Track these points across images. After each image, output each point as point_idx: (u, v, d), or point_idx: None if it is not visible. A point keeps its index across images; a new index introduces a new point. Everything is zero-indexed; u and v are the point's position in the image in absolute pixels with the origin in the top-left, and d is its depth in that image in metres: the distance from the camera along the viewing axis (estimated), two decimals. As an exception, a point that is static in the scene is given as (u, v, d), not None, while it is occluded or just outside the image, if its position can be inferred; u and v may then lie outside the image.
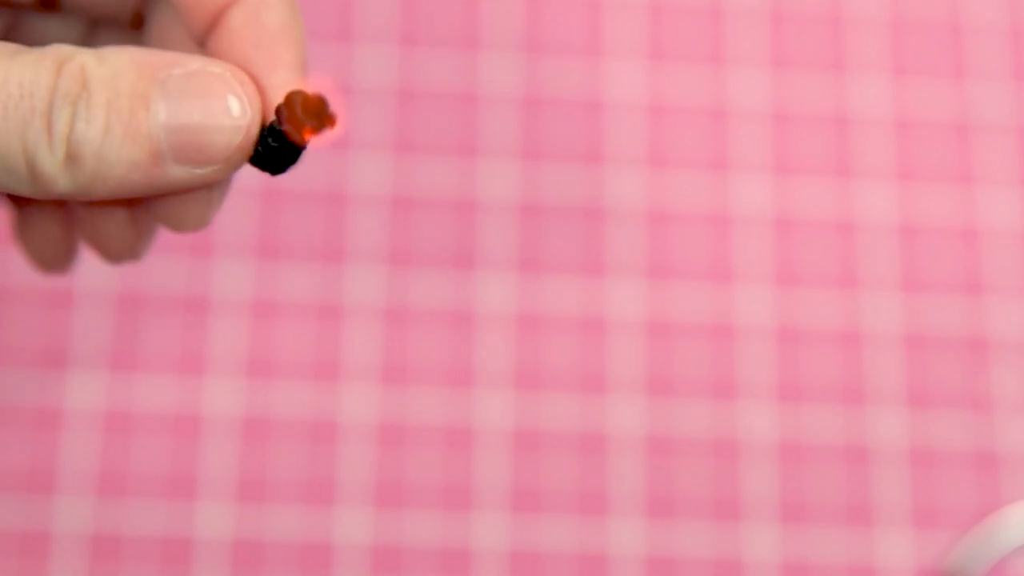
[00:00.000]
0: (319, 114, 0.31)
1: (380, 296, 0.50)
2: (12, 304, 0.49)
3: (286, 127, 0.31)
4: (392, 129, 0.52)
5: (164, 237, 0.50)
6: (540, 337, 0.50)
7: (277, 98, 0.32)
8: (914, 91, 0.53)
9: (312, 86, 0.32)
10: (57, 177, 0.30)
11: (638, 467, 0.49)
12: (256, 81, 0.32)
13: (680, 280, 0.51)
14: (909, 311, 0.51)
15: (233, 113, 0.30)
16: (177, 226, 0.35)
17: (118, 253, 0.36)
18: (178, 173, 0.31)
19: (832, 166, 0.52)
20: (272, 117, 0.31)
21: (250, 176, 0.51)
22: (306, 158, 0.51)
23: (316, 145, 0.31)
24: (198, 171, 0.31)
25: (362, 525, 0.48)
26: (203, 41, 0.33)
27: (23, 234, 0.37)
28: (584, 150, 0.52)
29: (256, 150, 0.31)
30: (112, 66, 0.30)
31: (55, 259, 0.37)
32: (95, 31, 0.37)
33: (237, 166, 0.31)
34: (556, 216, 0.51)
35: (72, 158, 0.30)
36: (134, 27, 0.36)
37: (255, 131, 0.31)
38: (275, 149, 0.31)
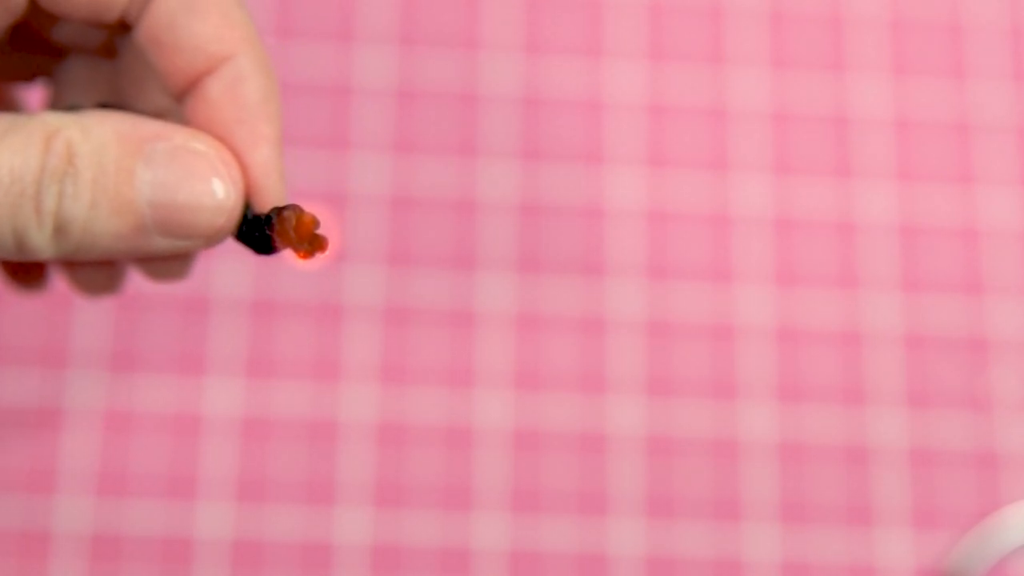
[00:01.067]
0: (311, 239, 0.32)
1: (380, 296, 0.50)
2: (12, 304, 0.49)
3: (277, 242, 0.31)
4: (392, 129, 0.52)
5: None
6: (540, 337, 0.50)
7: (260, 176, 0.32)
8: (914, 91, 0.53)
9: (306, 208, 0.32)
10: (44, 248, 0.30)
11: (638, 467, 0.49)
12: (239, 158, 0.32)
13: (680, 280, 0.51)
14: (909, 311, 0.51)
15: (217, 195, 0.31)
16: (156, 279, 0.35)
17: (95, 292, 0.37)
18: (162, 244, 0.31)
19: (832, 166, 0.52)
20: (254, 197, 0.32)
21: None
22: (296, 159, 0.51)
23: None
24: (181, 243, 0.31)
25: (362, 525, 0.48)
26: (180, 100, 0.34)
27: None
28: (584, 150, 0.52)
29: (241, 228, 0.32)
30: (97, 140, 0.31)
31: (31, 284, 0.38)
32: (66, 61, 0.37)
33: (220, 240, 0.32)
34: (556, 216, 0.51)
35: (59, 231, 0.30)
36: (107, 56, 0.36)
37: (238, 212, 0.31)
38: (259, 238, 0.32)
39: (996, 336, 0.51)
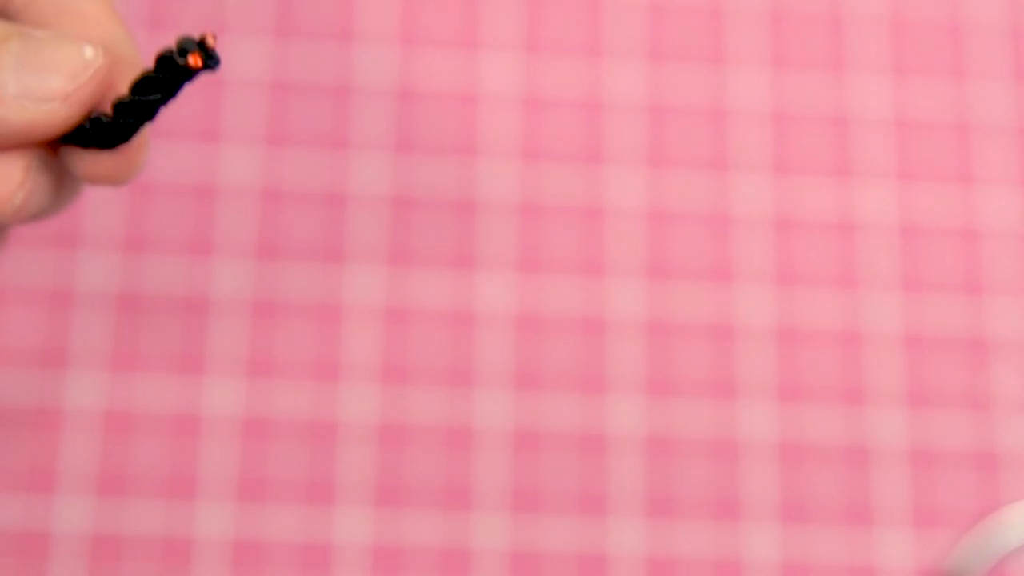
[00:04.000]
0: (207, 48, 0.31)
1: (380, 296, 0.50)
2: (12, 304, 0.49)
3: (171, 54, 0.31)
4: (392, 129, 0.52)
5: (163, 236, 0.50)
6: (540, 337, 0.50)
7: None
8: (914, 91, 0.53)
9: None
10: None
11: (638, 467, 0.49)
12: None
13: (680, 280, 0.51)
14: (909, 311, 0.51)
15: (86, 52, 0.31)
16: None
17: None
18: (15, 108, 0.30)
19: (832, 166, 0.52)
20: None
21: (250, 177, 0.51)
22: (294, 158, 0.51)
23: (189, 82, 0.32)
24: (36, 107, 0.30)
25: (362, 525, 0.48)
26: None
27: None
28: (583, 150, 0.52)
29: (98, 120, 0.31)
30: None
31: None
32: None
33: (74, 108, 0.31)
34: (556, 216, 0.51)
35: None
36: None
37: (102, 75, 0.31)
38: (125, 107, 0.31)
39: (996, 336, 0.51)
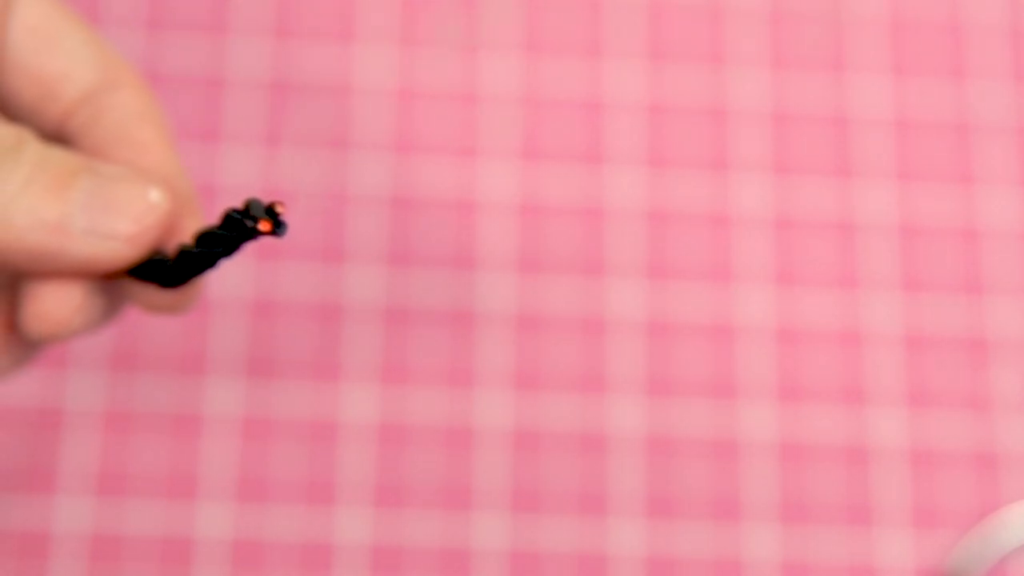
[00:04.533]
0: (273, 214, 0.32)
1: (380, 296, 0.50)
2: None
3: (239, 217, 0.31)
4: (392, 129, 0.52)
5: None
6: (540, 337, 0.50)
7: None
8: (914, 91, 0.53)
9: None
10: None
11: (638, 467, 0.49)
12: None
13: (680, 280, 0.51)
14: (909, 311, 0.51)
15: (151, 196, 0.32)
16: (35, 324, 0.33)
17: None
18: (80, 243, 0.31)
19: (832, 166, 0.52)
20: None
21: (249, 176, 0.51)
22: (294, 158, 0.51)
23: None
24: (100, 244, 0.31)
25: (362, 525, 0.48)
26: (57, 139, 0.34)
27: None
28: (584, 150, 0.52)
29: (161, 261, 0.32)
30: (51, 147, 0.32)
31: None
32: None
33: (138, 249, 0.32)
34: (556, 216, 0.51)
35: None
36: None
37: (165, 219, 0.32)
38: (188, 256, 0.32)
39: (996, 336, 0.51)
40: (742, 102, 0.53)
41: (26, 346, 0.35)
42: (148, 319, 0.49)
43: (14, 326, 0.35)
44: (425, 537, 0.48)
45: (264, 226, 0.31)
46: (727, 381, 0.50)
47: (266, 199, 0.32)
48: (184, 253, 0.32)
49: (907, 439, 0.50)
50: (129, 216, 0.31)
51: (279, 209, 0.31)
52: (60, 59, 0.34)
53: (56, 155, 0.32)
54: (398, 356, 0.49)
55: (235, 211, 0.31)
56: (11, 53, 0.34)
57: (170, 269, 0.33)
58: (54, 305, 0.33)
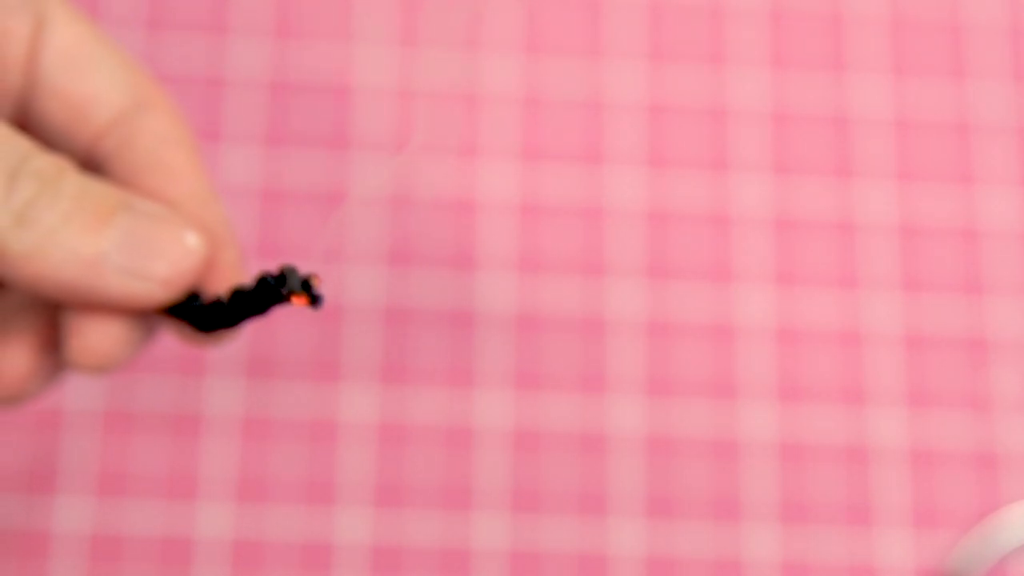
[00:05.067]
0: (309, 288, 0.32)
1: (380, 296, 0.50)
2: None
3: (285, 300, 0.32)
4: (392, 129, 0.52)
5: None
6: (540, 337, 0.50)
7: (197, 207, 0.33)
8: (914, 91, 0.53)
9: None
10: (2, 228, 0.30)
11: (638, 467, 0.49)
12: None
13: (680, 280, 0.51)
14: (909, 311, 0.51)
15: (189, 240, 0.32)
16: (80, 358, 0.34)
17: (14, 390, 0.35)
18: (115, 281, 0.31)
19: (832, 166, 0.52)
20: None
21: (249, 176, 0.51)
22: (294, 158, 0.51)
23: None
24: (134, 284, 0.31)
25: (362, 525, 0.48)
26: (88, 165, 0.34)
27: None
28: (584, 150, 0.52)
29: (197, 304, 0.32)
30: (90, 179, 0.32)
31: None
32: None
33: (173, 292, 0.32)
34: (556, 216, 0.51)
35: (21, 222, 0.30)
36: None
37: (201, 264, 0.32)
38: (221, 308, 0.32)
39: (996, 336, 0.51)
40: (742, 102, 0.53)
41: (58, 368, 0.35)
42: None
43: (48, 348, 0.35)
44: (425, 537, 0.48)
45: (299, 300, 0.31)
46: (727, 381, 0.50)
47: (302, 267, 0.32)
48: (217, 305, 0.33)
49: (907, 439, 0.50)
50: (165, 259, 0.32)
51: (315, 282, 0.31)
52: (92, 82, 0.34)
53: (96, 189, 0.32)
54: (398, 356, 0.49)
55: (269, 277, 0.31)
56: (43, 75, 0.34)
57: (203, 314, 0.33)
58: (98, 340, 0.33)
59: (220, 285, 0.34)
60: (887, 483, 0.49)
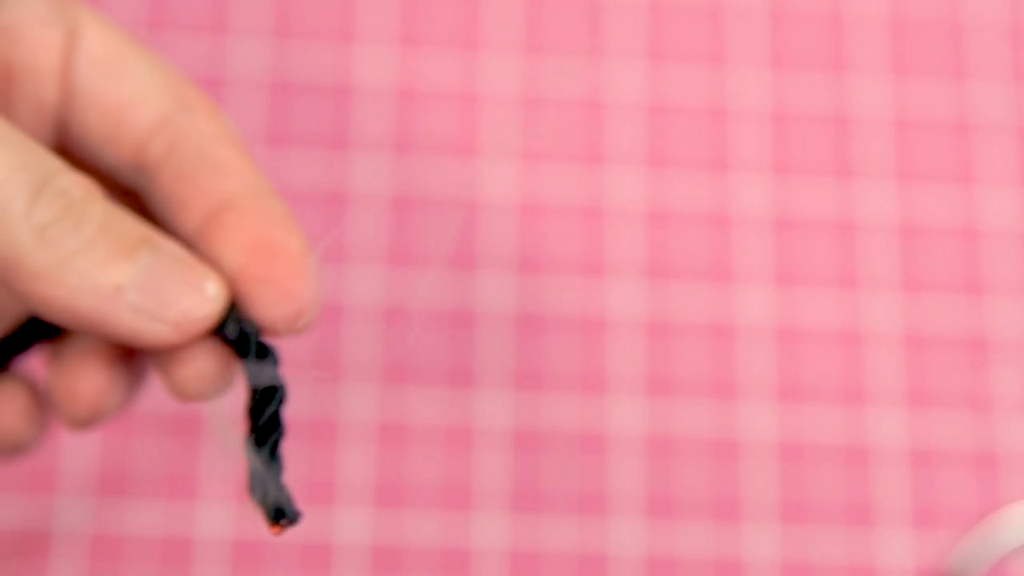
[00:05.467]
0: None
1: (380, 296, 0.50)
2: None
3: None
4: (392, 129, 0.52)
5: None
6: (540, 337, 0.50)
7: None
8: (914, 91, 0.53)
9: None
10: (23, 240, 0.30)
11: (638, 467, 0.49)
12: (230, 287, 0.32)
13: (680, 280, 0.51)
14: (909, 311, 0.51)
15: (208, 288, 0.31)
16: (69, 408, 0.33)
17: (91, 409, 0.34)
18: (126, 317, 0.30)
19: (832, 166, 0.52)
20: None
21: (250, 176, 0.50)
22: (294, 158, 0.51)
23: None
24: (146, 324, 0.31)
25: (362, 525, 0.48)
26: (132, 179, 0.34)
27: None
28: (584, 150, 0.52)
29: (227, 328, 0.32)
30: (117, 209, 0.31)
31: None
32: None
33: (184, 338, 0.31)
34: (556, 216, 0.51)
35: (42, 241, 0.30)
36: None
37: (214, 318, 0.32)
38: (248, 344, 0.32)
39: (996, 336, 0.51)
40: (742, 102, 0.53)
41: (135, 383, 0.35)
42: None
43: (122, 364, 0.34)
44: (425, 537, 0.48)
45: (274, 531, 0.31)
46: (727, 381, 0.50)
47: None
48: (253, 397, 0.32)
49: (907, 439, 0.50)
50: (181, 305, 0.31)
51: (284, 519, 0.31)
52: (129, 87, 0.33)
53: (121, 221, 0.31)
54: (398, 356, 0.49)
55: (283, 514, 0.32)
56: (80, 85, 0.33)
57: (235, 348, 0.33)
58: (194, 370, 0.32)
59: (287, 274, 0.32)
60: (887, 483, 0.49)
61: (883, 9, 0.54)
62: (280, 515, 0.31)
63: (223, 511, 0.48)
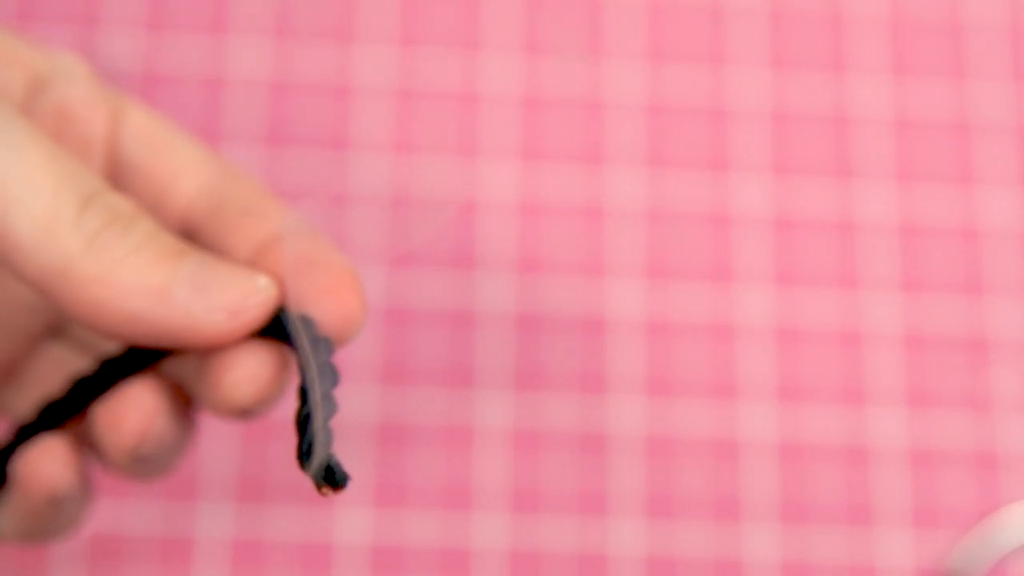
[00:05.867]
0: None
1: (380, 296, 0.50)
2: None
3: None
4: (392, 129, 0.52)
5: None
6: (540, 337, 0.50)
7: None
8: (914, 91, 0.53)
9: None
10: (72, 245, 0.30)
11: (638, 467, 0.49)
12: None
13: (680, 280, 0.51)
14: (909, 311, 0.51)
15: (259, 280, 0.32)
16: (112, 437, 0.33)
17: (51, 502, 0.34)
18: (179, 312, 0.31)
19: (832, 166, 0.52)
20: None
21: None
22: (294, 158, 0.51)
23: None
24: (202, 316, 0.31)
25: (362, 525, 0.48)
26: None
27: None
28: (584, 150, 0.52)
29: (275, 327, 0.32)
30: (163, 229, 0.32)
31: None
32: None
33: (238, 328, 0.31)
34: (556, 216, 0.51)
35: (93, 247, 0.30)
36: None
37: (266, 309, 0.32)
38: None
39: (996, 336, 0.51)
40: (742, 102, 0.53)
41: (191, 425, 0.35)
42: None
43: (184, 399, 0.35)
44: (425, 537, 0.48)
45: (326, 492, 0.31)
46: (727, 381, 0.50)
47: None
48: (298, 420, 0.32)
49: (907, 439, 0.50)
50: (233, 293, 0.31)
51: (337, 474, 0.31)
52: (173, 157, 0.35)
53: (167, 235, 0.32)
54: (398, 356, 0.49)
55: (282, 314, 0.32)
56: (126, 157, 0.35)
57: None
58: (248, 371, 0.32)
59: (336, 285, 0.33)
60: (887, 483, 0.49)
61: (883, 9, 0.54)
62: (330, 476, 0.31)
63: (223, 511, 0.48)
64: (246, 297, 0.31)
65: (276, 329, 0.32)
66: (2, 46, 0.35)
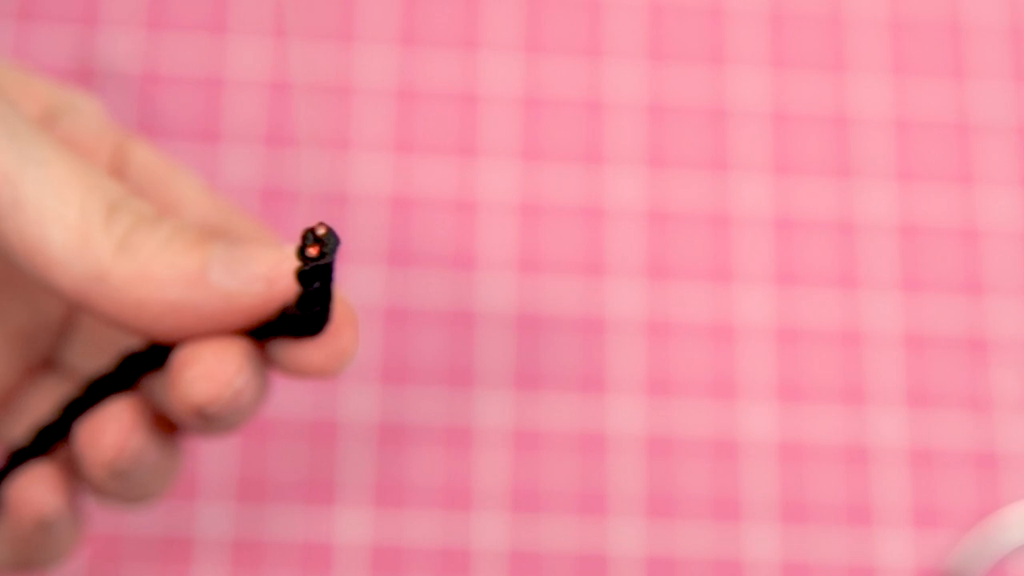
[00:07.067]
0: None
1: (380, 296, 0.50)
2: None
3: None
4: (392, 129, 0.52)
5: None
6: (540, 337, 0.50)
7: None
8: (914, 91, 0.53)
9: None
10: (105, 256, 0.31)
11: (638, 467, 0.49)
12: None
13: (680, 280, 0.51)
14: (909, 311, 0.51)
15: (286, 248, 0.32)
16: (203, 386, 0.33)
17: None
18: (218, 290, 0.31)
19: (832, 166, 0.52)
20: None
21: (250, 177, 0.51)
22: (295, 159, 0.51)
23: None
24: (240, 288, 0.32)
25: (362, 525, 0.48)
26: None
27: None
28: (584, 150, 0.52)
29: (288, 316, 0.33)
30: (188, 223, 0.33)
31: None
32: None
33: (277, 293, 0.32)
34: (556, 216, 0.51)
35: (124, 249, 0.31)
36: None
37: (297, 270, 0.32)
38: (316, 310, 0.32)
39: (996, 336, 0.51)
40: (742, 102, 0.53)
41: (177, 447, 0.35)
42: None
43: (166, 424, 0.35)
44: (425, 537, 0.48)
45: (313, 251, 0.31)
46: (727, 381, 0.50)
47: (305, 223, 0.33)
48: (300, 299, 0.32)
49: (907, 439, 0.50)
50: (267, 261, 0.32)
51: (320, 231, 0.31)
52: (176, 188, 0.36)
53: (191, 227, 0.33)
54: (398, 356, 0.49)
55: (311, 232, 0.32)
56: (132, 182, 0.36)
57: (299, 319, 0.33)
58: (215, 364, 0.32)
59: (336, 337, 0.34)
60: (887, 483, 0.49)
61: (883, 9, 0.54)
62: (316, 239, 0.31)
63: (223, 511, 0.48)
64: (280, 263, 0.32)
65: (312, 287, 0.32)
66: (18, 80, 0.36)
